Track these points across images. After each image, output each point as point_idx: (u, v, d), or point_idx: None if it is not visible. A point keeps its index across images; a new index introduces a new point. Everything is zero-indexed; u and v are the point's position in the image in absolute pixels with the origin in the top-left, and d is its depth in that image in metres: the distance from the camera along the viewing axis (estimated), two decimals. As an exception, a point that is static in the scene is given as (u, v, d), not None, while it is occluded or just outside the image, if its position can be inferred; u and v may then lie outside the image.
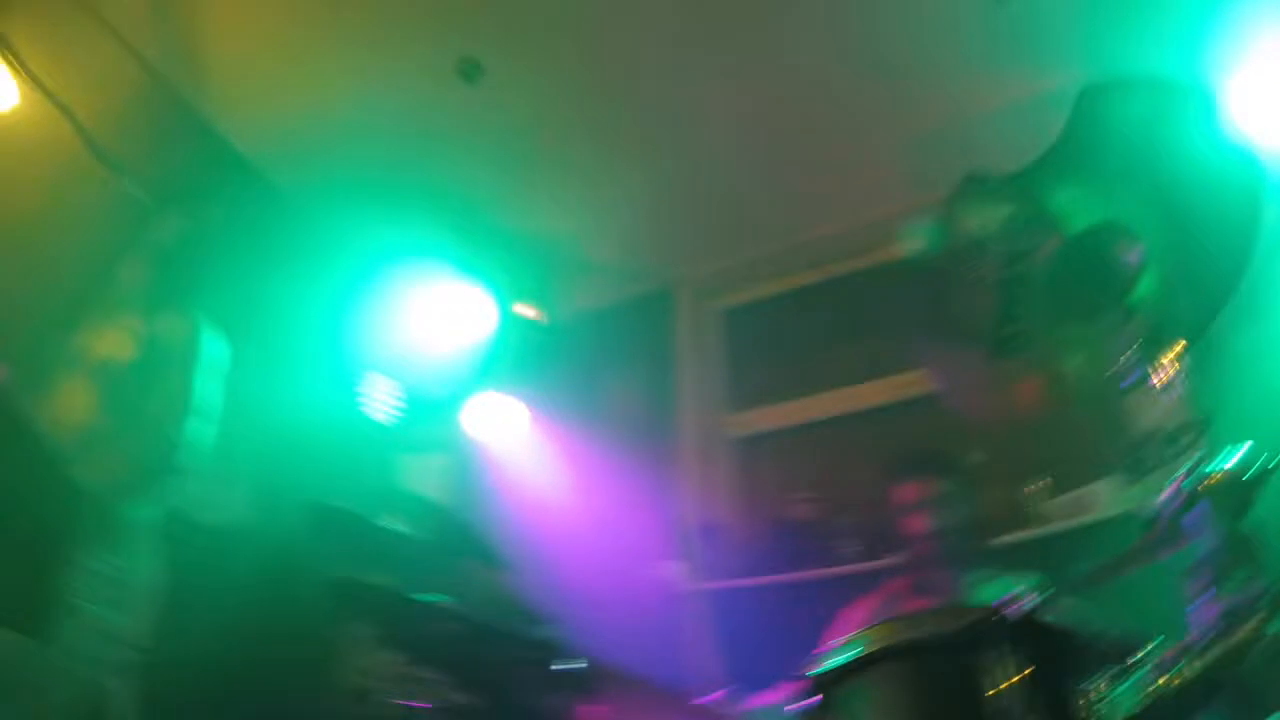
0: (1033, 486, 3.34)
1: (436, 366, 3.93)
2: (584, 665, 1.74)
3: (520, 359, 3.98)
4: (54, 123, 3.05)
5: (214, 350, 3.03)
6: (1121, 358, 1.52)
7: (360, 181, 3.76)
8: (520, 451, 4.14)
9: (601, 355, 4.36)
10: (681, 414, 4.22)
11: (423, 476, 4.02)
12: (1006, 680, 1.17)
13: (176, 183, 3.40)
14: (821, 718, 1.32)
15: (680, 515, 3.75)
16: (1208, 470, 1.30)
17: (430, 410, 4.00)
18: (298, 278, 3.73)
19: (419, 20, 3.39)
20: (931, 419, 2.49)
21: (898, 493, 2.91)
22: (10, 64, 2.83)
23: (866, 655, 1.26)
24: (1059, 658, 1.21)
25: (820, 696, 1.30)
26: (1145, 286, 1.63)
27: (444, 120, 3.65)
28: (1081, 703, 1.18)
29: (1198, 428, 1.39)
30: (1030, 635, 1.20)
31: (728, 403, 4.29)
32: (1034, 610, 1.22)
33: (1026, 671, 1.16)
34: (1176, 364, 1.47)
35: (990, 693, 1.17)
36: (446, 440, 4.13)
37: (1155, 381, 1.47)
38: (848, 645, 1.29)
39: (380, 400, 3.91)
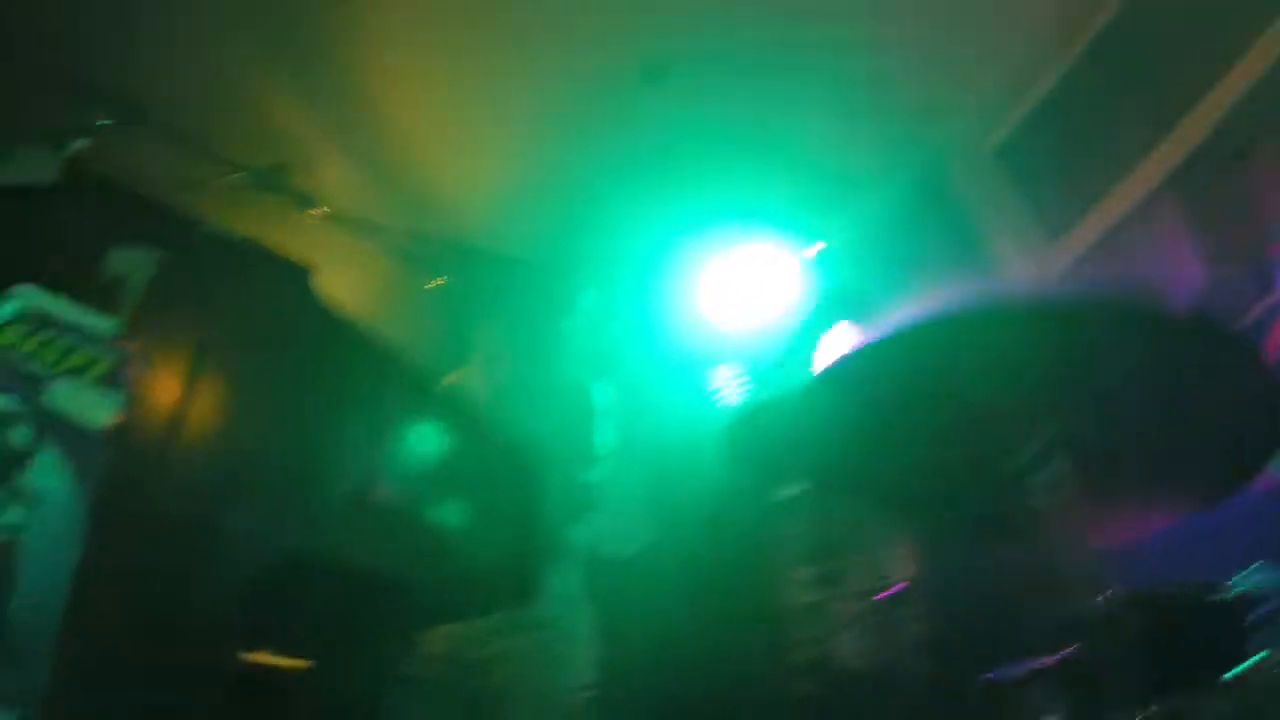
0: None
1: (765, 333, 3.99)
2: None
3: (837, 289, 3.98)
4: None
5: (598, 397, 3.37)
6: None
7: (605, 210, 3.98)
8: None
9: (907, 251, 4.27)
10: (1006, 267, 4.08)
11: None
12: None
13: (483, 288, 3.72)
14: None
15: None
16: None
17: (779, 376, 4.04)
18: (610, 319, 3.93)
19: (590, 35, 3.64)
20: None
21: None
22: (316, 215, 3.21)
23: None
24: None
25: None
26: None
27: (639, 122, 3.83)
28: None
29: None
30: None
31: (1046, 233, 4.06)
32: None
33: None
34: None
35: None
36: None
37: None
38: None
39: (730, 387, 3.98)
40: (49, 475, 2.03)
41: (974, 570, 3.34)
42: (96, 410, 2.11)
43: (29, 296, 2.22)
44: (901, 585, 3.54)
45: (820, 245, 3.95)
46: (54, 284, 2.22)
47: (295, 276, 2.42)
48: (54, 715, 1.84)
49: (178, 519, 2.13)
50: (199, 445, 2.22)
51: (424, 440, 2.58)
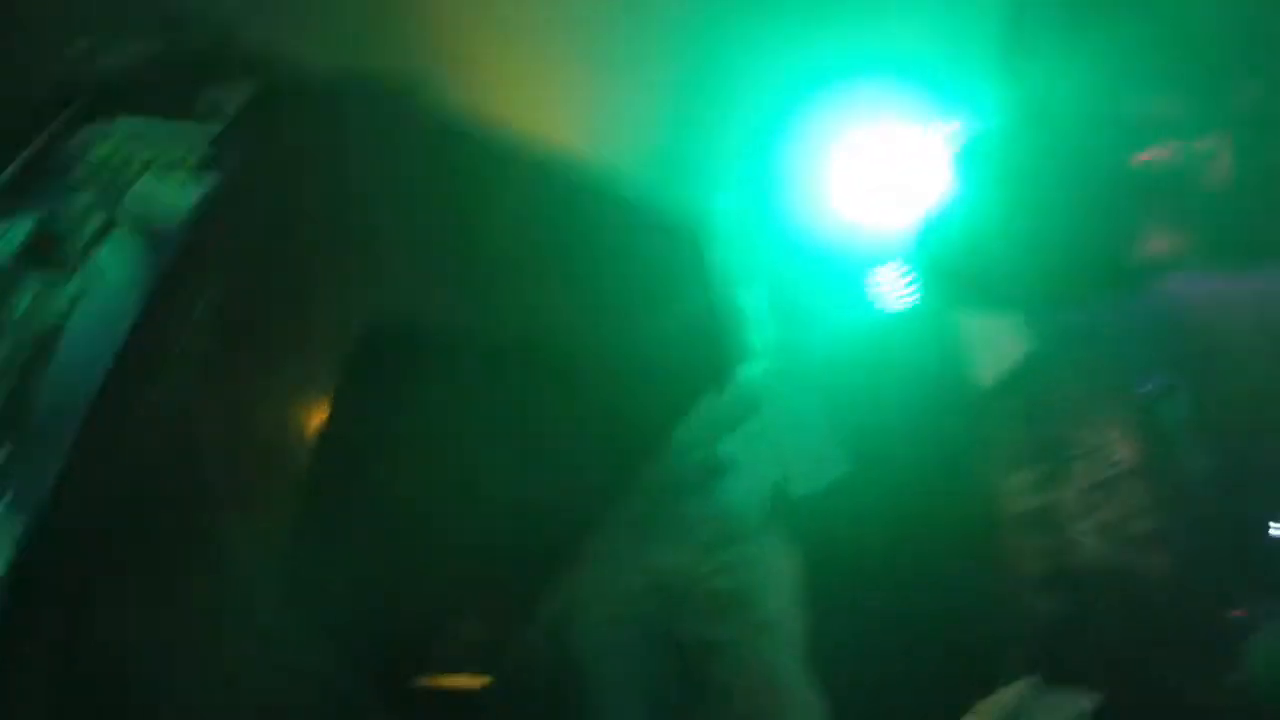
0: None
1: (921, 222, 3.57)
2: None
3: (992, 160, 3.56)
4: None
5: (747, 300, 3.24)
6: None
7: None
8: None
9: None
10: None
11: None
12: None
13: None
14: None
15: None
16: None
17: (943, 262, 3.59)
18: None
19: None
20: None
21: None
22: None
23: None
24: None
25: None
26: None
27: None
28: None
29: None
30: None
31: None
32: None
33: None
34: None
35: None
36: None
37: None
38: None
39: (891, 289, 3.56)
40: (111, 260, 1.87)
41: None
42: (177, 196, 1.95)
43: (119, 124, 2.14)
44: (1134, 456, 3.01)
45: (966, 115, 3.53)
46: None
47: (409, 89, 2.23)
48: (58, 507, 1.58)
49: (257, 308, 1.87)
50: (293, 234, 1.98)
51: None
